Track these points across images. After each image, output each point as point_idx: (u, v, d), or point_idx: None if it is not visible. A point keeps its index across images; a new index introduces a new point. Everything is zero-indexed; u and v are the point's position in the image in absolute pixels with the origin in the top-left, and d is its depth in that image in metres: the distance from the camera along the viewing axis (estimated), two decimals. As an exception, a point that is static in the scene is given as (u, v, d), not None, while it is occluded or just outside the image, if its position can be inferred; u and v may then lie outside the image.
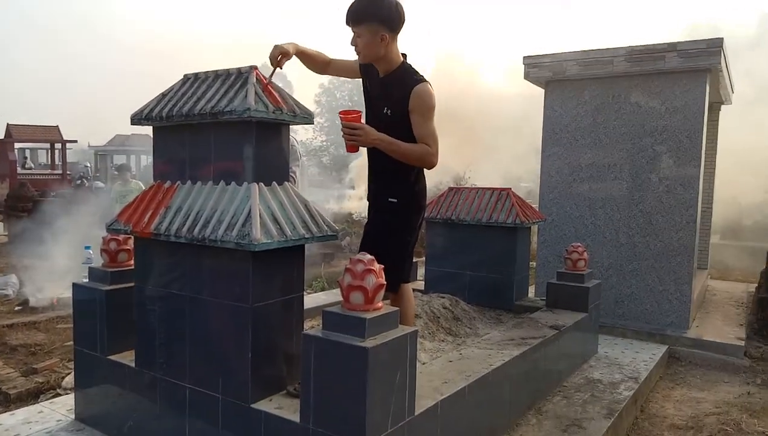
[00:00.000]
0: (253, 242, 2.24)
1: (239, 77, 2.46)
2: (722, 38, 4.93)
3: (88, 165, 22.28)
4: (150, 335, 2.81)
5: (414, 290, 5.22)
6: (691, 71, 5.02)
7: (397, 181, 2.83)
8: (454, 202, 5.06)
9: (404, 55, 2.81)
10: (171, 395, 2.74)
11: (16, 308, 6.74)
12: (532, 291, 5.91)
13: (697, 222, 5.31)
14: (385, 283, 2.26)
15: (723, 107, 7.58)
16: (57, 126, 19.96)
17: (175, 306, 2.69)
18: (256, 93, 2.36)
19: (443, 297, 4.55)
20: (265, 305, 2.46)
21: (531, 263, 6.53)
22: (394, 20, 2.67)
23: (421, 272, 5.62)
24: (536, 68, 5.58)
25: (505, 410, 3.33)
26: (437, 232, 5.16)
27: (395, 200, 2.84)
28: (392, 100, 2.72)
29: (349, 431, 2.16)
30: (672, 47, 4.98)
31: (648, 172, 5.33)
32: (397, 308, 2.37)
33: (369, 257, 2.26)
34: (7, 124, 18.34)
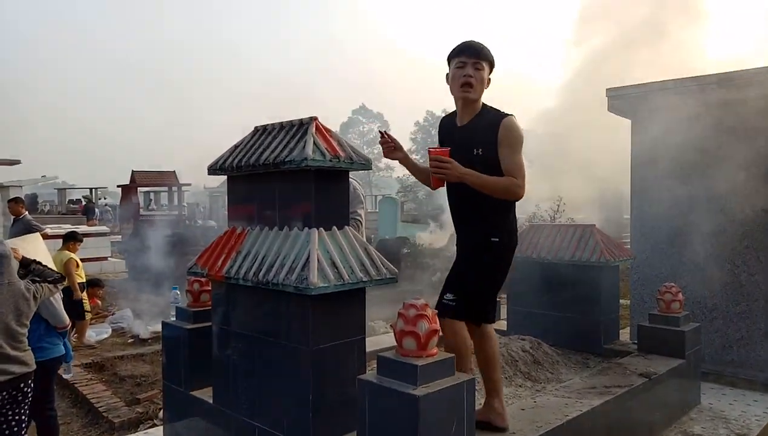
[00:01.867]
0: (310, 285, 2.31)
1: (300, 128, 2.59)
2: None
3: (185, 205, 23.95)
4: (225, 374, 2.96)
5: (495, 329, 5.12)
6: (798, 94, 4.57)
7: (497, 218, 2.78)
8: (535, 239, 4.91)
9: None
10: (243, 433, 2.84)
11: (129, 341, 7.34)
12: (627, 334, 5.54)
13: (817, 258, 4.74)
14: (437, 327, 2.23)
15: None
16: (174, 171, 21.85)
17: (245, 347, 2.81)
18: (314, 143, 2.47)
19: (524, 339, 4.39)
20: (326, 347, 2.51)
21: (626, 301, 6.15)
22: (493, 68, 2.80)
23: (503, 312, 5.47)
24: (620, 100, 5.33)
25: (585, 465, 3.11)
26: (519, 270, 5.00)
27: (497, 239, 2.77)
28: (481, 137, 2.73)
29: (402, 480, 2.13)
30: (772, 70, 4.58)
31: (753, 205, 4.86)
32: (452, 355, 2.33)
33: (422, 301, 2.25)
34: (132, 170, 20.36)
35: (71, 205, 30.33)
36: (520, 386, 3.77)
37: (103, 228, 16.02)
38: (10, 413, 3.04)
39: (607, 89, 5.50)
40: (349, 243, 2.60)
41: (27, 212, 8.93)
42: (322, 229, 2.54)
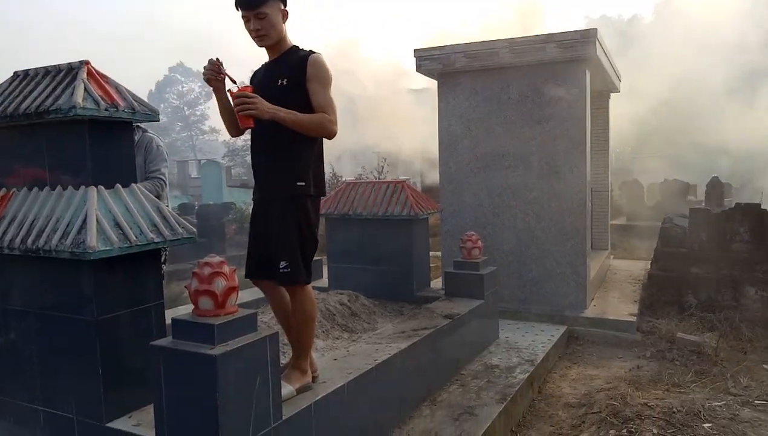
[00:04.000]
0: (88, 250, 2.07)
1: (69, 73, 2.27)
2: (596, 29, 5.11)
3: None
4: (-4, 359, 2.58)
5: (315, 287, 5.18)
6: (569, 61, 5.17)
7: (300, 162, 2.60)
8: (351, 197, 5.00)
9: None
10: (25, 419, 2.52)
11: None
12: (440, 282, 5.96)
13: (587, 205, 5.51)
14: (236, 284, 2.15)
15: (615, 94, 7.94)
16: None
17: (20, 325, 2.47)
18: (86, 89, 2.18)
19: (342, 293, 4.49)
20: (114, 316, 2.30)
21: (438, 252, 6.62)
22: None
23: (324, 271, 5.55)
24: (427, 61, 5.59)
25: (396, 405, 3.29)
26: (337, 228, 5.09)
27: (303, 184, 2.60)
28: (286, 70, 2.58)
29: (204, 444, 2.04)
30: (549, 38, 5.11)
31: (538, 160, 5.47)
32: (254, 311, 2.26)
33: (218, 259, 2.14)
34: None
35: None
36: (337, 338, 3.86)
37: None
38: None
39: (414, 50, 5.72)
40: (137, 202, 2.38)
41: None
42: (101, 187, 2.28)
